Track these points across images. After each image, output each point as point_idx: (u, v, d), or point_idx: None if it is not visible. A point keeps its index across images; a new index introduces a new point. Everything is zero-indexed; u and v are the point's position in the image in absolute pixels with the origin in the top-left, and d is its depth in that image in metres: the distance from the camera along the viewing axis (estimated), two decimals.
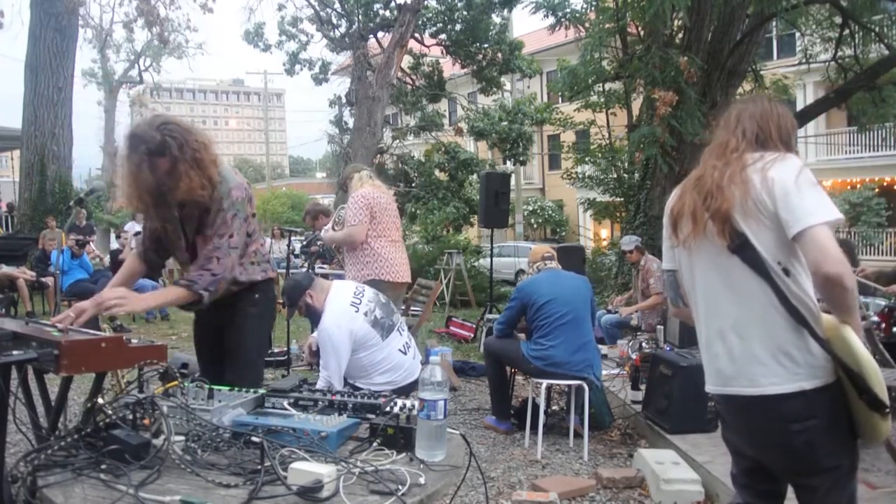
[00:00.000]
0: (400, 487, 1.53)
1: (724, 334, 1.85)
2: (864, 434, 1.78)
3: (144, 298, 2.41)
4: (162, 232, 2.58)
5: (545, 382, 4.17)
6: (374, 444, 1.80)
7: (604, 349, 5.77)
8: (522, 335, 4.51)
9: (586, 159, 14.63)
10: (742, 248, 1.78)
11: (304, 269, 5.22)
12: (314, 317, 3.37)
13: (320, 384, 3.12)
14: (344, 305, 3.25)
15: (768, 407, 1.78)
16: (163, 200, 2.38)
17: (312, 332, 4.21)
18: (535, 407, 4.25)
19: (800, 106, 13.94)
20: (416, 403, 1.81)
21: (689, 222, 1.90)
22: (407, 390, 3.20)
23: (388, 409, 1.98)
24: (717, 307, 1.87)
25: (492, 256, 8.70)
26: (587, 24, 9.57)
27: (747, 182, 1.78)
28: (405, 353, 3.35)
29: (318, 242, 7.21)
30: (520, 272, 13.40)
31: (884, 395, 1.68)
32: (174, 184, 2.25)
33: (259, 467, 1.58)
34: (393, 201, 4.67)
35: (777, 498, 1.98)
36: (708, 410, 4.11)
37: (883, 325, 4.48)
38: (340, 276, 5.24)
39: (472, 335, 7.98)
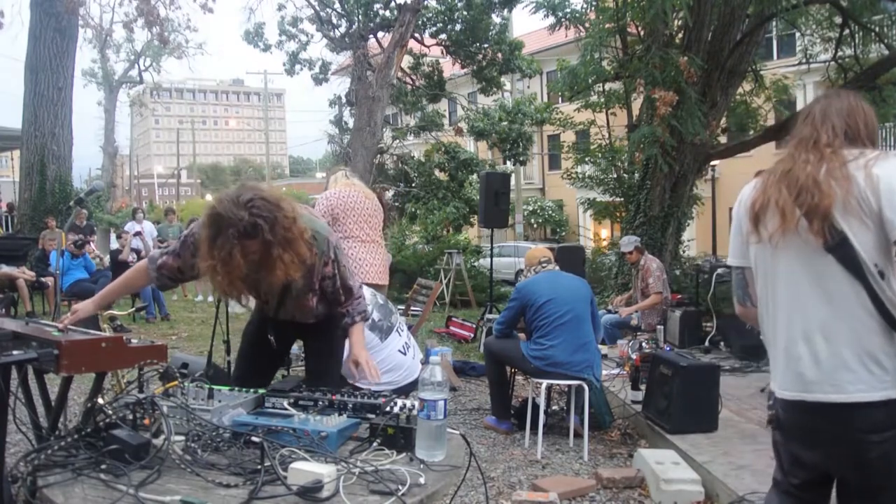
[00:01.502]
0: (400, 487, 1.53)
1: (809, 336, 1.75)
2: None
3: (358, 348, 2.52)
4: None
5: (545, 382, 4.17)
6: (374, 444, 1.80)
7: (604, 349, 5.77)
8: (522, 335, 4.51)
9: (586, 159, 14.62)
10: (839, 246, 1.68)
11: None
12: None
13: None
14: None
15: (851, 415, 1.70)
16: (255, 283, 2.26)
17: None
18: (535, 407, 4.25)
19: (800, 106, 13.93)
20: (416, 403, 1.81)
21: (776, 217, 1.77)
22: (407, 390, 3.19)
23: (388, 409, 1.98)
24: (804, 307, 1.77)
25: (492, 256, 8.70)
26: (587, 24, 9.56)
27: (850, 178, 1.67)
28: (405, 354, 3.35)
29: None
30: (520, 272, 13.39)
31: None
32: (269, 271, 2.06)
33: (259, 467, 1.58)
34: (369, 200, 4.48)
35: None
36: (716, 410, 4.10)
37: None
38: None
39: (472, 335, 7.98)
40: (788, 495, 1.94)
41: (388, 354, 3.27)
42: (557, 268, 4.58)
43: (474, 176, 15.10)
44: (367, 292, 3.42)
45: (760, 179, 1.88)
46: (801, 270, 1.77)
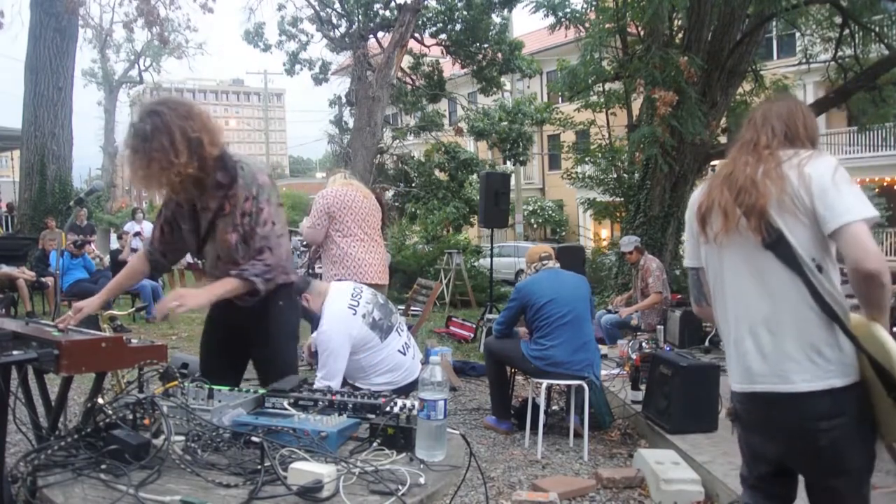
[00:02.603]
0: (400, 487, 1.53)
1: (755, 331, 1.83)
2: (888, 433, 1.77)
3: (202, 293, 2.30)
4: (175, 227, 2.49)
5: (545, 382, 4.17)
6: (374, 444, 1.80)
7: (604, 349, 5.77)
8: (523, 329, 4.50)
9: (586, 159, 14.62)
10: (777, 243, 1.77)
11: (302, 270, 5.21)
12: (311, 320, 3.37)
13: (317, 383, 3.11)
14: (342, 308, 3.25)
15: (798, 405, 1.77)
16: (167, 182, 2.27)
17: (312, 332, 4.21)
18: (535, 407, 4.25)
19: None
20: (416, 403, 1.81)
21: (719, 218, 1.87)
22: (407, 390, 3.19)
23: (388, 409, 1.98)
24: (748, 303, 1.85)
25: (492, 256, 8.70)
26: (587, 24, 9.56)
27: (783, 178, 1.77)
28: (405, 354, 3.35)
29: None
30: (520, 272, 13.39)
31: None
32: (171, 160, 2.17)
33: (259, 467, 1.58)
34: (367, 200, 4.47)
35: (787, 502, 1.97)
36: (716, 410, 4.11)
37: None
38: None
39: (472, 335, 7.98)
40: (756, 490, 2.01)
41: (387, 354, 3.27)
42: (558, 265, 4.57)
43: (474, 176, 15.10)
44: (367, 292, 3.43)
45: (706, 183, 1.99)
46: (744, 267, 1.86)
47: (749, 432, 1.98)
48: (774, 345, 1.80)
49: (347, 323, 3.19)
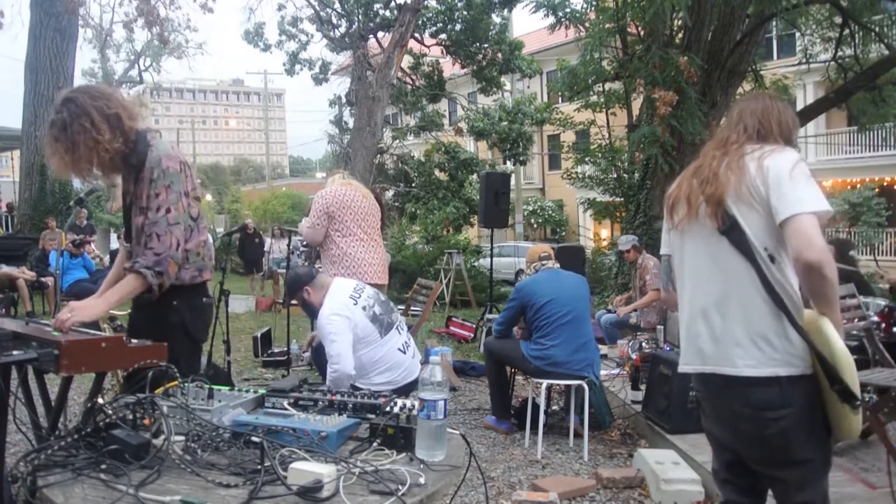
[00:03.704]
0: (400, 487, 1.53)
1: (707, 313, 1.90)
2: (836, 428, 1.80)
3: (95, 304, 2.19)
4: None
5: (545, 382, 4.17)
6: (374, 444, 1.80)
7: (604, 349, 5.77)
8: (518, 330, 4.50)
9: (586, 159, 14.62)
10: (731, 230, 1.83)
11: (306, 265, 5.21)
12: (311, 313, 3.37)
13: (330, 376, 3.09)
14: (343, 299, 3.25)
15: (744, 390, 1.81)
16: (98, 160, 2.28)
17: (313, 329, 4.20)
18: (535, 407, 4.25)
19: (800, 106, 13.93)
20: (416, 403, 1.81)
21: (683, 206, 1.97)
22: (406, 390, 3.19)
23: (388, 409, 1.98)
24: (702, 286, 1.92)
25: (492, 256, 8.70)
26: (587, 24, 9.56)
27: (743, 168, 1.83)
28: (404, 353, 3.35)
29: None
30: (520, 272, 13.39)
31: (855, 388, 1.71)
32: (96, 138, 2.19)
33: (259, 467, 1.58)
34: (366, 199, 4.47)
35: (759, 495, 2.00)
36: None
37: (883, 325, 4.48)
38: None
39: (472, 335, 7.98)
40: (727, 484, 2.04)
41: (387, 352, 3.27)
42: (557, 265, 4.57)
43: (474, 176, 15.10)
44: (369, 289, 3.43)
45: (679, 176, 2.08)
46: (702, 253, 1.93)
47: (708, 419, 2.04)
48: (724, 329, 1.85)
49: (348, 309, 3.19)
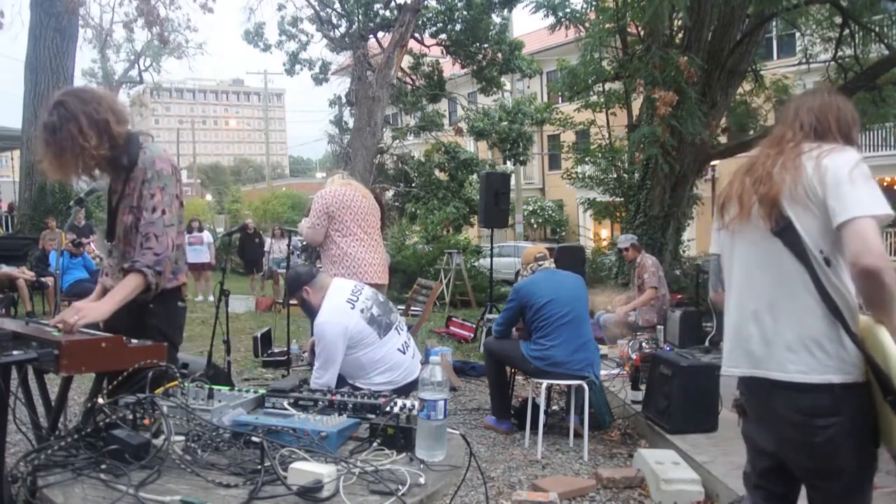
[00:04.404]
0: (400, 487, 1.53)
1: (758, 316, 1.83)
2: (887, 439, 1.74)
3: (101, 305, 2.21)
4: None
5: (545, 382, 4.17)
6: (374, 444, 1.80)
7: (604, 349, 5.77)
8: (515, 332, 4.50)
9: (586, 159, 14.62)
10: (785, 231, 1.77)
11: (307, 265, 5.20)
12: (310, 313, 3.37)
13: (313, 382, 3.12)
14: (340, 303, 3.25)
15: (794, 396, 1.75)
16: (83, 167, 2.31)
17: (312, 329, 4.21)
18: (535, 407, 4.25)
19: None
20: (416, 403, 1.81)
21: (735, 205, 1.90)
22: (406, 390, 3.19)
23: (388, 409, 1.98)
24: (754, 289, 1.86)
25: (492, 256, 8.70)
26: (587, 24, 9.57)
27: (799, 168, 1.76)
28: (404, 353, 3.34)
29: None
30: (519, 272, 13.40)
31: None
32: (82, 145, 2.22)
33: (259, 467, 1.58)
34: (366, 199, 4.46)
35: (788, 503, 1.95)
36: (716, 410, 4.11)
37: None
38: None
39: (472, 335, 7.98)
40: (758, 489, 2.00)
41: (386, 352, 3.26)
42: (554, 265, 4.57)
43: (474, 176, 15.11)
44: (368, 290, 3.43)
45: (732, 174, 2.01)
46: (753, 254, 1.87)
47: (750, 423, 1.98)
48: (776, 331, 1.79)
49: (344, 316, 3.19)
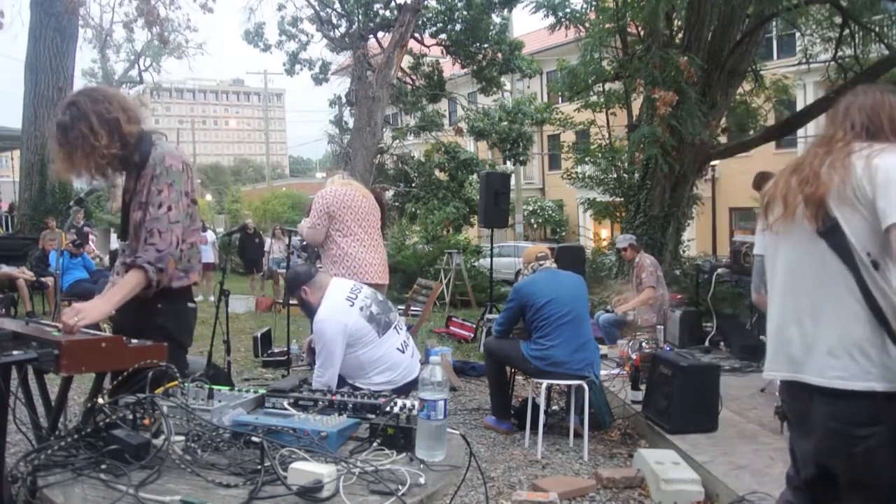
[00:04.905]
0: (400, 487, 1.53)
1: (801, 319, 1.78)
2: None
3: (100, 305, 2.18)
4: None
5: (545, 382, 4.17)
6: (374, 444, 1.80)
7: (604, 349, 5.77)
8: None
9: (586, 159, 14.62)
10: (831, 232, 1.71)
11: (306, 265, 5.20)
12: (309, 313, 3.37)
13: (314, 382, 3.12)
14: (339, 300, 3.26)
15: (834, 403, 1.70)
16: (95, 166, 2.31)
17: (312, 329, 4.21)
18: (535, 407, 4.25)
19: (800, 106, 13.94)
20: (416, 403, 1.81)
21: (780, 205, 1.85)
22: (406, 389, 3.19)
23: (388, 409, 1.98)
24: (797, 291, 1.81)
25: (492, 256, 8.70)
26: (587, 24, 9.57)
27: (849, 168, 1.70)
28: (403, 352, 3.34)
29: None
30: (519, 272, 13.40)
31: None
32: (93, 144, 2.23)
33: (259, 467, 1.58)
34: (366, 199, 4.45)
35: None
36: (716, 410, 4.11)
37: None
38: None
39: (472, 335, 7.98)
40: (799, 491, 1.94)
41: (386, 351, 3.26)
42: (555, 265, 4.57)
43: (474, 176, 15.11)
44: (367, 289, 3.43)
45: (778, 173, 1.94)
46: (798, 256, 1.81)
47: (793, 429, 1.92)
48: (817, 335, 1.74)
49: (344, 313, 3.20)
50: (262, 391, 2.14)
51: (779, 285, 1.88)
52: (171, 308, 2.39)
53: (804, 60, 10.37)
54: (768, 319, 1.92)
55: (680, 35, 8.94)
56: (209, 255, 12.28)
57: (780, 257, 1.88)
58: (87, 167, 2.28)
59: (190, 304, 2.50)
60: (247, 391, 2.14)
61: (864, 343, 1.67)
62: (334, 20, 15.48)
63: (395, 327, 3.36)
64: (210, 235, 12.78)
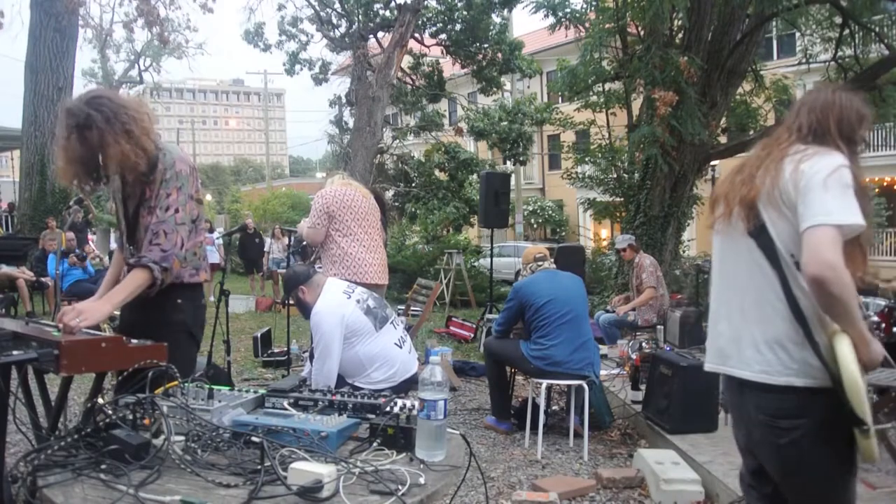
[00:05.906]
0: (400, 487, 1.53)
1: (731, 314, 1.88)
2: (860, 452, 1.71)
3: (101, 305, 2.17)
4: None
5: (545, 382, 4.17)
6: (374, 444, 1.80)
7: (604, 349, 5.77)
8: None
9: (586, 159, 14.61)
10: (759, 233, 1.79)
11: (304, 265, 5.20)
12: (305, 312, 3.37)
13: (313, 375, 3.12)
14: (336, 294, 3.27)
15: (761, 396, 1.78)
16: (96, 172, 2.32)
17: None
18: (535, 407, 4.25)
19: None
20: (416, 403, 1.81)
21: (722, 205, 1.93)
22: (404, 386, 3.20)
23: (388, 409, 1.98)
24: (730, 288, 1.90)
25: (492, 256, 8.70)
26: (587, 24, 9.56)
27: (779, 171, 1.76)
28: (401, 347, 3.35)
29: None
30: (519, 272, 13.39)
31: (862, 413, 1.62)
32: (105, 153, 2.21)
33: (259, 467, 1.58)
34: (366, 199, 4.45)
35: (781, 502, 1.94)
36: (716, 410, 4.11)
37: (883, 325, 4.48)
38: None
39: (472, 335, 7.98)
40: (750, 489, 2.01)
41: (383, 346, 3.26)
42: (554, 266, 4.58)
43: (474, 176, 15.10)
44: (361, 288, 3.44)
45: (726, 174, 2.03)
46: (732, 254, 1.90)
47: (732, 420, 2.02)
48: (744, 330, 1.83)
49: (341, 305, 3.20)
50: (262, 391, 2.14)
51: (716, 281, 1.98)
52: (190, 304, 2.42)
53: (804, 60, 10.37)
54: (709, 315, 2.02)
55: (680, 35, 8.94)
56: (214, 256, 12.30)
57: (717, 255, 1.98)
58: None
59: (203, 301, 2.54)
60: (247, 391, 2.14)
61: (785, 340, 1.74)
62: (334, 20, 15.47)
63: (391, 322, 3.36)
64: (215, 237, 12.79)
